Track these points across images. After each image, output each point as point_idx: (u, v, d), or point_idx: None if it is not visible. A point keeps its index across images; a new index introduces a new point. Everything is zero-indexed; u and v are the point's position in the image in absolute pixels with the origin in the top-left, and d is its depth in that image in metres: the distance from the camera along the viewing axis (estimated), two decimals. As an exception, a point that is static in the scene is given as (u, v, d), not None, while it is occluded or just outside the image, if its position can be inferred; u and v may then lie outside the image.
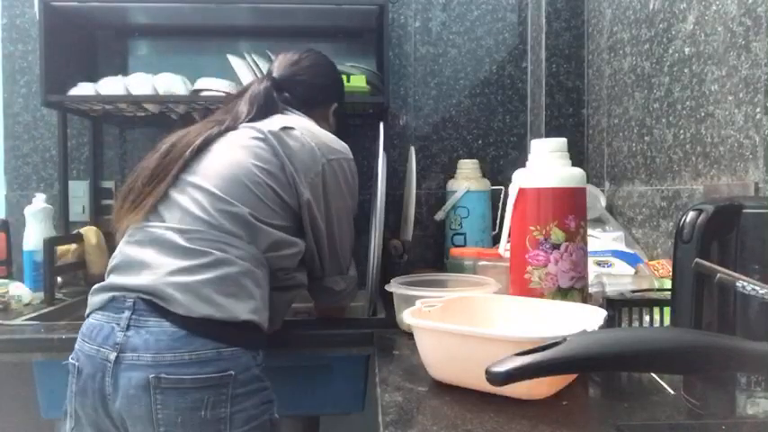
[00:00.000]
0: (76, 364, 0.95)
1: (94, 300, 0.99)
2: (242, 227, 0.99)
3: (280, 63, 1.26)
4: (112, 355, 0.91)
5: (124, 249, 1.01)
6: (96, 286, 1.00)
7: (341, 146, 1.14)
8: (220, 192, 1.00)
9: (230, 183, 1.01)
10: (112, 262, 1.02)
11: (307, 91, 1.24)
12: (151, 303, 0.93)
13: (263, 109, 1.14)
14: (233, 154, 1.05)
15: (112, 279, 0.99)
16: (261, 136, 1.07)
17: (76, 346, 0.98)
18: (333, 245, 1.13)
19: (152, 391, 0.89)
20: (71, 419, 0.96)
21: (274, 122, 1.10)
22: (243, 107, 1.14)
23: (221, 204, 1.00)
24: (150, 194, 1.02)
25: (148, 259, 0.97)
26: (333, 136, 1.16)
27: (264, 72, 1.60)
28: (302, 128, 1.10)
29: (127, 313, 0.93)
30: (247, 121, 1.11)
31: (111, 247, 1.64)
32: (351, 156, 1.15)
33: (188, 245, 0.96)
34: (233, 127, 1.11)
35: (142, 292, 0.94)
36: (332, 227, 1.12)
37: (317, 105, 1.25)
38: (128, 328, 0.92)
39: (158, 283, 0.93)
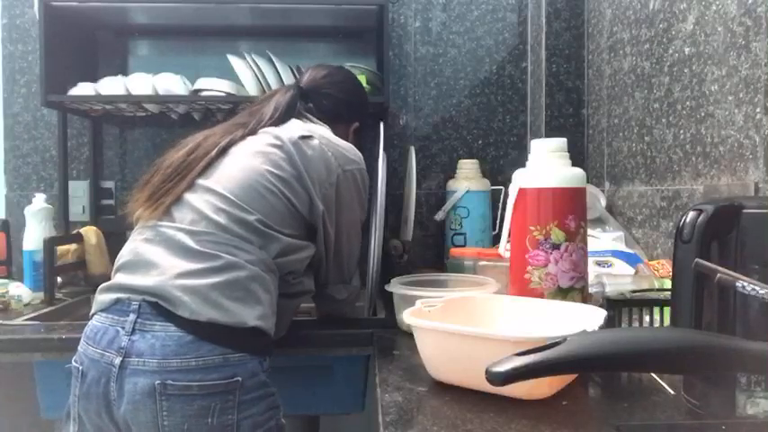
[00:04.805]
0: (80, 367, 0.94)
1: (100, 299, 0.98)
2: (253, 232, 0.99)
3: (309, 75, 1.28)
4: (117, 360, 0.90)
5: (133, 247, 1.01)
6: (103, 285, 1.00)
7: (356, 155, 1.14)
8: (234, 196, 1.00)
9: (244, 188, 1.01)
10: (120, 260, 1.01)
11: (331, 104, 1.25)
12: (157, 306, 0.92)
13: (285, 116, 1.15)
14: (249, 160, 1.05)
15: (119, 278, 0.98)
16: (278, 143, 1.06)
17: (80, 348, 0.97)
18: (339, 254, 1.13)
19: (158, 398, 0.88)
20: (74, 423, 0.95)
21: (293, 130, 1.10)
22: (267, 111, 1.14)
23: (234, 209, 0.99)
24: (169, 192, 1.02)
25: (157, 259, 0.96)
26: (349, 145, 1.16)
27: (264, 72, 1.61)
28: (320, 136, 1.11)
29: (132, 316, 0.92)
30: (268, 127, 1.12)
31: (111, 247, 1.65)
32: (364, 166, 1.15)
33: (198, 247, 0.96)
34: (253, 131, 1.11)
35: (148, 294, 0.93)
36: (341, 237, 1.12)
37: (339, 121, 1.26)
38: (133, 331, 0.91)
39: (166, 285, 0.92)
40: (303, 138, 1.08)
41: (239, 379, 0.91)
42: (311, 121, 1.19)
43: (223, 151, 1.06)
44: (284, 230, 1.03)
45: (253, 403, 0.93)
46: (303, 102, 1.21)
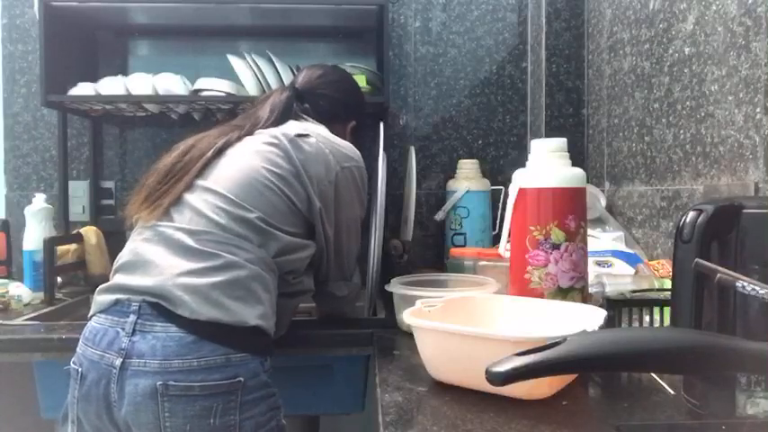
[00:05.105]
0: (79, 369, 0.94)
1: (99, 300, 0.98)
2: (253, 231, 0.99)
3: (304, 75, 1.27)
4: (118, 361, 0.90)
5: (132, 247, 1.00)
6: (102, 286, 0.99)
7: (354, 153, 1.14)
8: (233, 195, 1.00)
9: (243, 187, 1.01)
10: (119, 260, 1.01)
11: (328, 104, 1.25)
12: (157, 307, 0.92)
13: (282, 117, 1.15)
14: (246, 159, 1.05)
15: (118, 279, 0.98)
16: (275, 141, 1.07)
17: (79, 350, 0.96)
18: (339, 251, 1.13)
19: (159, 399, 0.88)
20: (73, 425, 0.95)
21: (289, 128, 1.11)
22: (263, 114, 1.14)
23: (233, 208, 0.99)
24: (167, 193, 1.01)
25: (156, 259, 0.96)
26: (346, 142, 1.16)
27: (264, 72, 1.61)
28: (317, 134, 1.11)
29: (132, 317, 0.92)
30: (264, 128, 1.12)
31: (111, 247, 1.65)
32: (363, 164, 1.15)
33: (198, 246, 0.95)
34: (250, 133, 1.11)
35: (149, 294, 0.92)
36: (340, 234, 1.12)
37: (336, 120, 1.26)
38: (133, 332, 0.91)
39: (166, 285, 0.92)
40: (300, 135, 1.08)
41: (241, 379, 0.91)
42: (307, 121, 1.19)
43: (219, 152, 1.06)
44: (285, 228, 1.03)
45: (255, 404, 0.93)
46: (299, 103, 1.22)
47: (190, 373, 0.89)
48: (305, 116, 1.20)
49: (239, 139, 1.09)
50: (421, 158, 1.86)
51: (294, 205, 1.04)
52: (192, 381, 0.88)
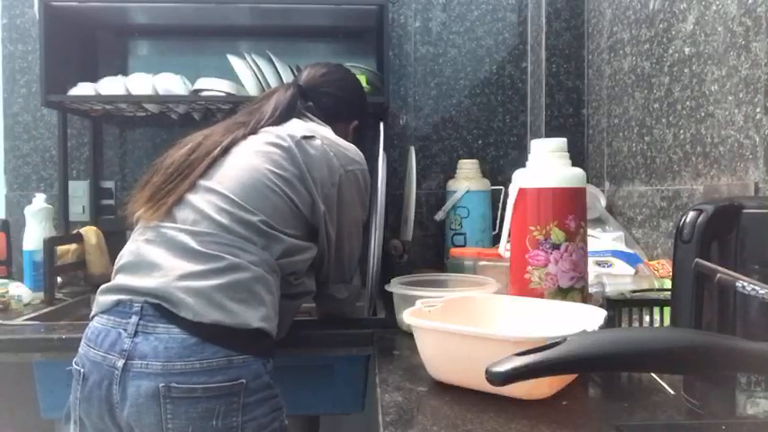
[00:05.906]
0: (81, 370, 0.93)
1: (100, 300, 0.97)
2: (256, 233, 0.98)
3: (308, 73, 1.27)
4: (120, 363, 0.89)
5: (134, 248, 1.00)
6: (103, 287, 0.99)
7: (358, 156, 1.14)
8: (236, 197, 0.99)
9: (247, 189, 1.00)
10: (120, 261, 1.00)
11: (331, 103, 1.25)
12: (160, 308, 0.91)
13: (286, 115, 1.14)
14: (250, 159, 1.04)
15: (120, 279, 0.97)
16: (280, 143, 1.06)
17: (81, 350, 0.96)
18: (340, 253, 1.13)
19: (162, 401, 0.87)
20: (75, 426, 0.95)
21: (295, 129, 1.10)
22: (266, 111, 1.14)
23: (236, 209, 0.98)
24: (171, 193, 1.00)
25: (159, 260, 0.95)
26: (351, 145, 1.16)
27: (264, 72, 1.61)
28: (322, 136, 1.10)
29: (134, 318, 0.91)
30: (268, 125, 1.11)
31: (111, 247, 1.65)
32: (366, 166, 1.15)
33: (200, 248, 0.95)
34: (254, 130, 1.10)
35: (151, 296, 0.92)
36: (342, 236, 1.12)
37: (339, 119, 1.25)
38: (135, 334, 0.90)
39: (168, 287, 0.92)
40: (305, 138, 1.08)
41: (243, 381, 0.91)
42: (311, 120, 1.18)
43: (225, 151, 1.06)
44: (287, 231, 1.02)
45: (257, 405, 0.93)
46: (303, 100, 1.21)
47: (192, 375, 0.88)
48: (309, 114, 1.19)
49: (244, 137, 1.08)
50: (421, 158, 1.86)
51: (297, 208, 1.04)
52: (194, 383, 0.88)
